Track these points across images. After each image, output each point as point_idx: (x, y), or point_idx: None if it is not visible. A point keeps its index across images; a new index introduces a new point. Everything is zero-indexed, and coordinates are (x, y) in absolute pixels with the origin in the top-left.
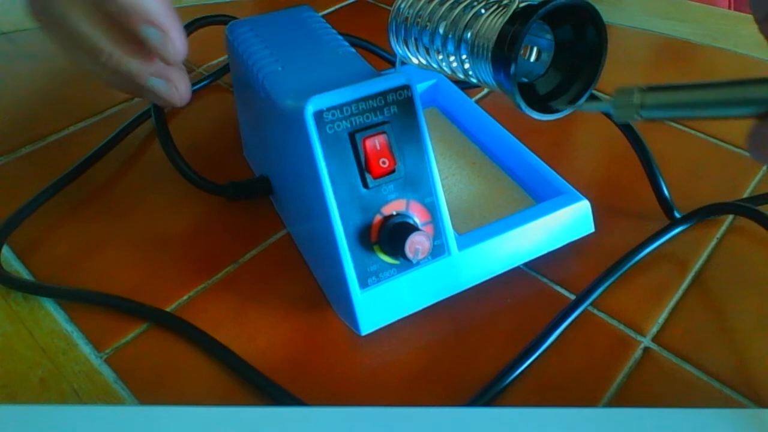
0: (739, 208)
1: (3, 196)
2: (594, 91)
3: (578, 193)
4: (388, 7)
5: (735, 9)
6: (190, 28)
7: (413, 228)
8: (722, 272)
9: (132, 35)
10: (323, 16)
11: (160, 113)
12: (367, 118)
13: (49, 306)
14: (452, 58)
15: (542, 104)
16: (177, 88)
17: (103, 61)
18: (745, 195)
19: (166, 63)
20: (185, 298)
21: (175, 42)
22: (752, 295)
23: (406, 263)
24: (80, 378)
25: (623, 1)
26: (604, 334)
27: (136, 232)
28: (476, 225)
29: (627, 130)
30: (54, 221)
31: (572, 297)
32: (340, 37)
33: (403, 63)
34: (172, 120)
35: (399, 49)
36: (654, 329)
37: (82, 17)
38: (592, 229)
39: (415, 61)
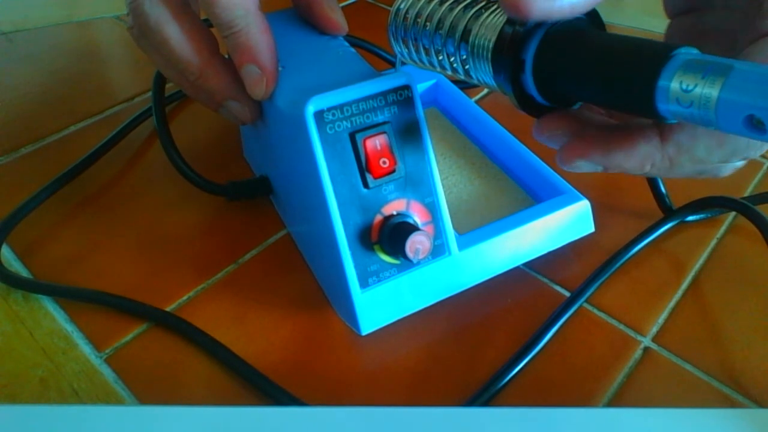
0: (730, 202)
1: (3, 195)
2: None
3: (578, 193)
4: (388, 7)
5: None
6: None
7: (414, 228)
8: (722, 272)
9: (223, 59)
10: None
11: (161, 113)
12: (368, 118)
13: (49, 306)
14: (452, 59)
15: (541, 105)
16: (249, 111)
17: (192, 80)
18: (746, 195)
19: (253, 97)
20: (185, 298)
21: (270, 84)
22: (752, 295)
23: (407, 263)
24: (80, 378)
25: (623, 1)
26: (605, 334)
27: (136, 232)
28: (476, 225)
29: None
30: (54, 221)
31: None
32: (340, 37)
33: (403, 63)
34: (173, 120)
35: (399, 49)
36: (654, 329)
37: (181, 41)
38: (592, 229)
39: (415, 61)
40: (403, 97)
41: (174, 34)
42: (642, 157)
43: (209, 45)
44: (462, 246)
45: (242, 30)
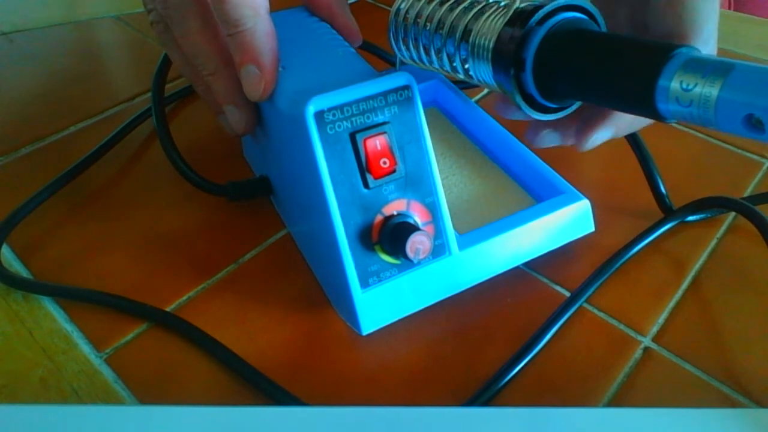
0: (730, 202)
1: (3, 195)
2: None
3: (578, 193)
4: (388, 7)
5: (735, 9)
6: None
7: (414, 228)
8: (722, 272)
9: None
10: None
11: (161, 113)
12: (368, 118)
13: (49, 306)
14: (452, 58)
15: (542, 104)
16: (245, 121)
17: (205, 74)
18: (746, 195)
19: (249, 98)
20: (185, 298)
21: (268, 86)
22: (752, 295)
23: (407, 263)
24: (80, 378)
25: None
26: (605, 333)
27: (136, 232)
28: (476, 225)
29: None
30: (54, 221)
31: None
32: (340, 37)
33: (402, 63)
34: (173, 120)
35: (399, 49)
36: (654, 329)
37: (205, 34)
38: (593, 229)
39: (415, 61)
40: (403, 97)
41: (200, 26)
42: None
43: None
44: (462, 246)
45: (248, 30)
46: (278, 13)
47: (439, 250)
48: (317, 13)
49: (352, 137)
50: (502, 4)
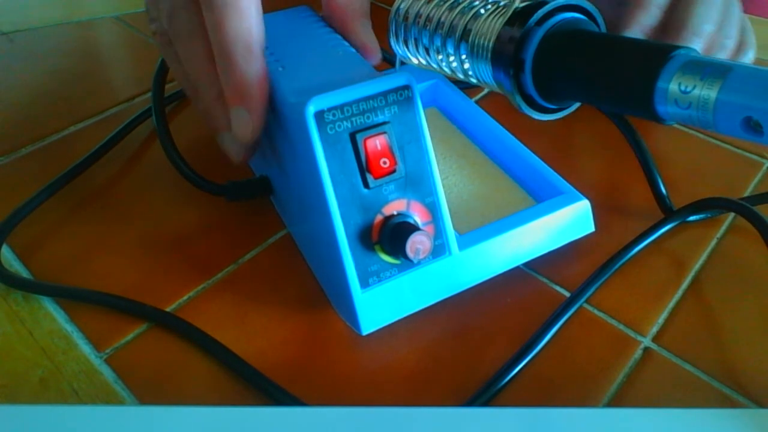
0: (730, 203)
1: (3, 195)
2: None
3: (578, 193)
4: (388, 7)
5: None
6: None
7: (414, 228)
8: (722, 272)
9: None
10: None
11: (161, 113)
12: (368, 118)
13: (49, 306)
14: (452, 58)
15: (542, 104)
16: (244, 149)
17: (206, 99)
18: (746, 195)
19: (238, 138)
20: (185, 298)
21: (256, 131)
22: (752, 295)
23: (407, 263)
24: (80, 378)
25: None
26: (605, 333)
27: (136, 232)
28: (476, 225)
29: (624, 127)
30: (54, 221)
31: None
32: (340, 37)
33: (402, 63)
34: (173, 120)
35: (399, 49)
36: (654, 329)
37: (205, 63)
38: (593, 229)
39: (415, 61)
40: (403, 97)
41: (205, 51)
42: None
43: None
44: (462, 246)
45: (239, 68)
46: (279, 12)
47: (439, 250)
48: (332, 26)
49: (352, 137)
50: (502, 3)
